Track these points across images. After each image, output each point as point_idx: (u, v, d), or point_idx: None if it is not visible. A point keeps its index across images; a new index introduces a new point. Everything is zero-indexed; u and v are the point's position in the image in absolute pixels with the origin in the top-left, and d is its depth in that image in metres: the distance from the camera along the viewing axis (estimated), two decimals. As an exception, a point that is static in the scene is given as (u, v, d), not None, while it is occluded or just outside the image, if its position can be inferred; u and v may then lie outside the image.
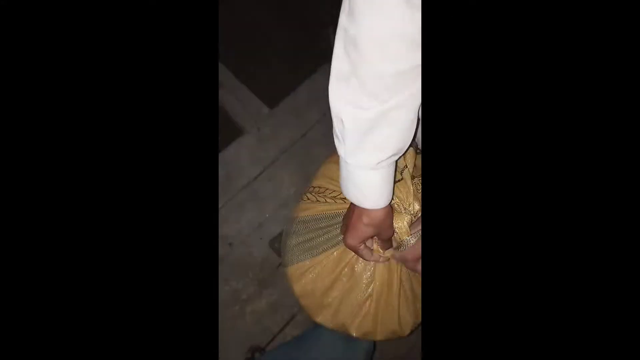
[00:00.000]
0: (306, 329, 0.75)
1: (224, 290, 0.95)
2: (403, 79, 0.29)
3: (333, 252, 0.44)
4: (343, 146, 0.34)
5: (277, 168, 1.06)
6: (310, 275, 0.45)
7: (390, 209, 0.37)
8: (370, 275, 0.43)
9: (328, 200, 0.45)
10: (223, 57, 1.21)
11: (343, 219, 0.41)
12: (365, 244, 0.39)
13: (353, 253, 0.43)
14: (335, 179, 0.47)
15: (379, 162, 0.33)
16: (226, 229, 1.00)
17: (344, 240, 0.38)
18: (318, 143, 1.08)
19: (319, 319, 0.46)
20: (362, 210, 0.36)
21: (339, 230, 0.44)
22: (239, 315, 0.93)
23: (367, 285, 0.43)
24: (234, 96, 1.19)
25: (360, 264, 0.44)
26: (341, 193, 0.45)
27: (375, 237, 0.39)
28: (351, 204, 0.37)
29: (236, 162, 1.05)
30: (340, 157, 0.35)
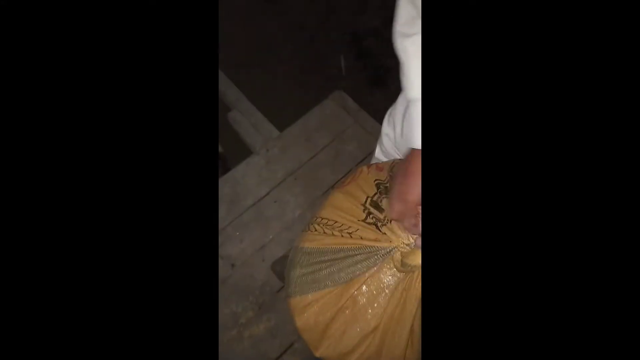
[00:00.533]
0: (304, 358, 0.73)
1: (224, 313, 0.93)
2: None
3: (337, 288, 0.43)
4: (409, 80, 0.33)
5: (283, 190, 1.06)
6: (313, 309, 0.44)
7: None
8: (378, 308, 0.42)
9: (335, 233, 0.45)
10: (236, 79, 1.25)
11: (393, 179, 0.37)
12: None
13: (356, 286, 0.42)
14: (344, 210, 0.47)
15: None
16: (230, 248, 0.99)
17: (405, 193, 0.35)
18: (325, 167, 1.08)
19: (320, 353, 0.44)
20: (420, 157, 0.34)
21: (342, 265, 0.43)
22: (237, 339, 0.91)
23: (372, 318, 0.42)
24: (246, 117, 1.22)
25: (364, 297, 0.43)
26: (349, 227, 0.45)
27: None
28: (404, 160, 0.35)
29: (244, 181, 1.06)
30: (410, 100, 0.34)
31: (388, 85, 1.27)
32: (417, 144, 0.34)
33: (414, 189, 0.35)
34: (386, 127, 0.58)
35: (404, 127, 0.48)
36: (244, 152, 1.17)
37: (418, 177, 0.34)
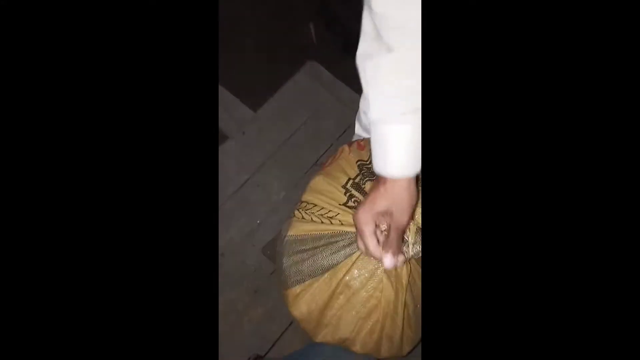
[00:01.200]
0: (305, 339, 0.74)
1: (220, 302, 0.93)
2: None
3: (324, 275, 0.43)
4: (368, 103, 0.34)
5: (265, 173, 1.03)
6: (304, 299, 0.43)
7: (414, 189, 0.33)
8: (373, 291, 0.42)
9: (314, 219, 0.44)
10: (201, 59, 1.17)
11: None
12: (376, 228, 0.35)
13: (344, 271, 0.42)
14: (324, 193, 0.46)
15: (403, 113, 0.32)
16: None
17: (355, 212, 0.36)
18: (305, 146, 1.06)
19: (319, 339, 0.45)
20: (381, 179, 0.34)
21: (324, 254, 0.42)
22: (236, 326, 0.92)
23: (368, 301, 0.42)
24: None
25: (356, 280, 0.42)
26: (329, 211, 0.44)
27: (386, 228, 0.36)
28: (375, 181, 0.36)
29: (222, 169, 1.02)
30: (370, 122, 0.35)
31: (361, 51, 1.22)
32: (379, 168, 0.34)
33: (366, 210, 0.35)
34: (364, 104, 0.56)
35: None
36: (218, 138, 1.12)
37: (371, 197, 0.35)
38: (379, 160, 0.34)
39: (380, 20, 0.31)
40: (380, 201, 0.34)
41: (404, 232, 0.35)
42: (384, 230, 0.36)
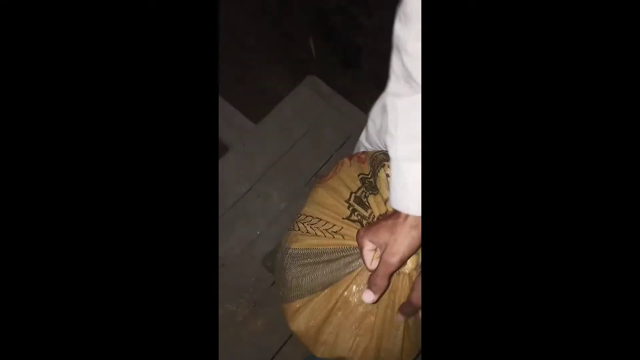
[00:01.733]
0: (305, 352, 0.74)
1: (219, 313, 0.93)
2: None
3: (324, 291, 0.43)
4: (395, 143, 0.34)
5: (265, 184, 1.04)
6: (302, 315, 0.43)
7: (418, 236, 0.33)
8: (370, 306, 0.42)
9: (319, 233, 0.44)
10: (203, 72, 1.18)
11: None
12: (376, 250, 0.36)
13: (344, 287, 0.42)
14: (327, 207, 0.46)
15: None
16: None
17: (358, 232, 0.37)
18: (305, 156, 1.06)
19: (319, 355, 0.44)
20: (393, 215, 0.34)
21: (326, 270, 0.42)
22: (235, 338, 0.91)
23: (365, 318, 0.42)
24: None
25: (355, 296, 0.42)
26: (333, 226, 0.44)
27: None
28: (390, 214, 0.36)
29: (223, 180, 1.03)
30: (391, 158, 0.35)
31: (360, 64, 1.24)
32: (396, 203, 0.35)
33: (368, 234, 0.36)
34: (374, 112, 0.56)
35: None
36: (219, 149, 1.13)
37: (381, 223, 0.35)
38: (397, 195, 0.34)
39: (414, 62, 0.31)
40: (383, 234, 0.35)
41: (391, 273, 0.35)
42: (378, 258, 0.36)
